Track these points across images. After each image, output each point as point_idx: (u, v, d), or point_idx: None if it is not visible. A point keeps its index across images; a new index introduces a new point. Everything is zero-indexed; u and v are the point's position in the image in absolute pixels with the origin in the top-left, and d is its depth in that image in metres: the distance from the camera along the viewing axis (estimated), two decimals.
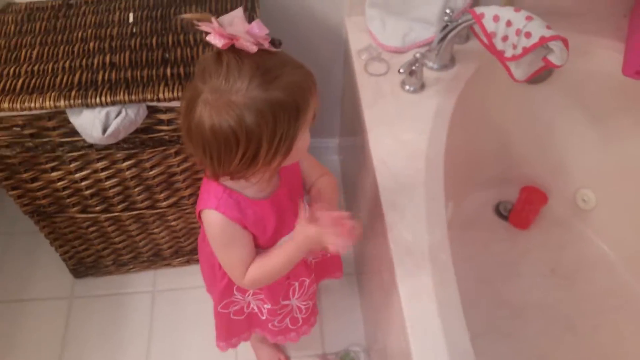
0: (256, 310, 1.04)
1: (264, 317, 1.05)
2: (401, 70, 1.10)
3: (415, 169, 1.01)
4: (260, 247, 0.88)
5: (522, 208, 1.49)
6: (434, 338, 0.81)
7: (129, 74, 0.97)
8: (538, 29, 0.98)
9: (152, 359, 1.33)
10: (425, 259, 0.89)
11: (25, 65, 1.00)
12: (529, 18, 1.00)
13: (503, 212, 1.52)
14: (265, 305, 1.01)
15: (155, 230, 1.31)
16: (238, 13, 0.65)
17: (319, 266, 1.09)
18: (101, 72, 0.97)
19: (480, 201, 1.55)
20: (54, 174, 1.09)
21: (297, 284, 1.01)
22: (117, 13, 1.11)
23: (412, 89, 1.14)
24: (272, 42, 0.67)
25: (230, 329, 1.10)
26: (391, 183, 1.00)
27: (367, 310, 1.32)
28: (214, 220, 0.80)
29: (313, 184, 0.94)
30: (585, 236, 1.48)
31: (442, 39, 1.13)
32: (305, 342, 1.34)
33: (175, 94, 0.93)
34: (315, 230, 0.79)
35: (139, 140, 1.03)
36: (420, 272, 0.88)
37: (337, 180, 0.97)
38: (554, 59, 1.00)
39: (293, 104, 0.67)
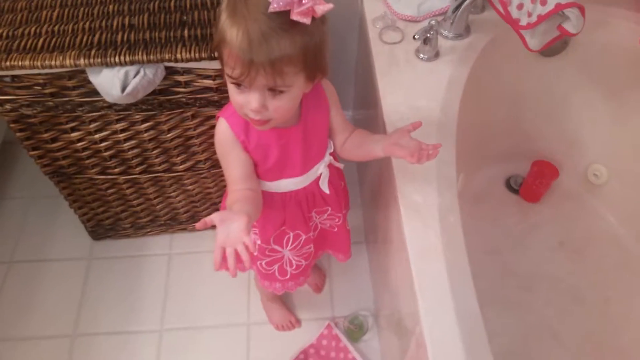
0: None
1: (255, 253, 1.07)
2: (416, 37, 1.10)
3: (428, 134, 1.02)
4: (259, 177, 0.92)
5: (533, 182, 1.49)
6: (441, 297, 0.83)
7: (147, 35, 0.99)
8: None
9: (167, 320, 1.37)
10: (435, 220, 0.91)
11: (45, 26, 1.02)
12: None
13: (514, 186, 1.53)
14: (257, 241, 1.04)
15: (172, 194, 1.34)
16: None
17: (323, 234, 1.11)
18: (120, 33, 0.99)
19: (491, 174, 1.55)
20: (73, 134, 1.12)
21: (292, 234, 1.03)
22: None
23: (426, 57, 1.15)
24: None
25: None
26: None
27: (376, 276, 1.34)
28: (220, 127, 0.87)
29: (346, 140, 0.96)
30: (596, 211, 1.48)
31: (457, 7, 1.14)
32: (314, 306, 1.38)
33: (193, 55, 0.95)
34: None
35: (157, 102, 1.06)
36: (429, 233, 0.89)
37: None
38: (569, 27, 1.00)
39: (221, 30, 0.72)
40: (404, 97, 1.09)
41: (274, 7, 0.67)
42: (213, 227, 0.72)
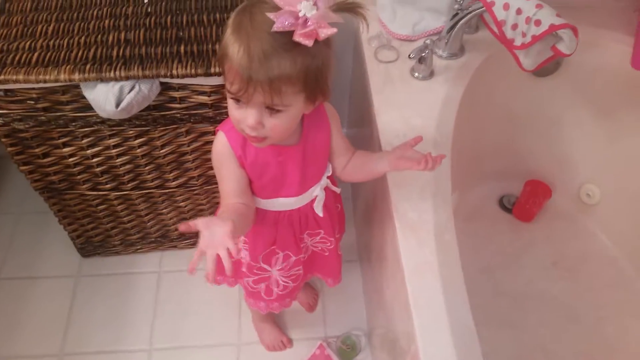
0: (242, 260, 1.05)
1: (243, 269, 1.06)
2: (411, 55, 1.11)
3: (423, 151, 1.02)
4: (255, 194, 0.92)
5: (526, 201, 1.49)
6: (437, 315, 0.82)
7: (143, 50, 0.99)
8: (548, 17, 0.99)
9: (156, 339, 1.34)
10: (430, 237, 0.90)
11: (40, 40, 1.01)
12: (539, 6, 1.01)
13: (507, 205, 1.53)
14: (247, 258, 1.03)
15: (164, 211, 1.32)
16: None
17: (313, 257, 1.10)
18: (116, 48, 0.99)
19: (485, 193, 1.56)
20: (65, 149, 1.11)
21: (281, 254, 1.02)
22: None
23: (421, 76, 1.16)
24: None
25: (220, 266, 1.11)
26: None
27: (370, 294, 1.33)
28: (218, 140, 0.86)
29: (347, 162, 0.96)
30: (589, 231, 1.48)
31: (452, 27, 1.15)
32: (306, 325, 1.37)
33: (188, 71, 0.95)
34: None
35: (151, 117, 1.05)
36: (424, 250, 0.89)
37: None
38: (563, 47, 1.01)
39: (224, 44, 0.72)
40: (399, 115, 1.10)
41: (277, 27, 0.67)
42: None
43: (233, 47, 0.70)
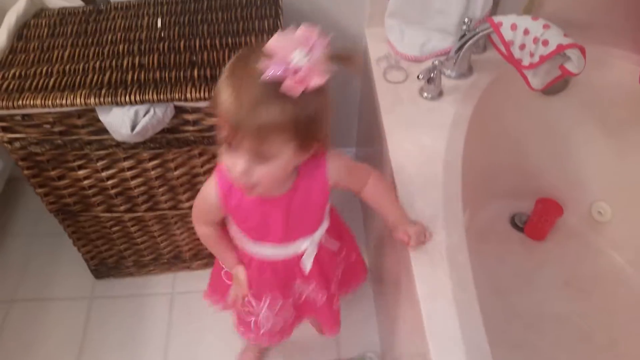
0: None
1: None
2: (420, 76, 1.12)
3: (433, 172, 1.03)
4: (243, 233, 0.93)
5: (537, 219, 1.49)
6: (452, 337, 0.82)
7: (157, 74, 1.01)
8: (555, 37, 1.00)
9: None
10: (443, 260, 0.90)
11: (57, 65, 1.04)
12: (546, 26, 1.02)
13: (518, 224, 1.53)
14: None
15: (177, 232, 1.33)
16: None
17: (306, 302, 1.07)
18: (130, 73, 1.01)
19: (496, 212, 1.55)
20: (80, 172, 1.12)
21: (270, 295, 1.02)
22: (146, 18, 1.15)
23: (430, 96, 1.17)
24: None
25: (217, 286, 1.11)
26: (409, 186, 1.01)
27: (383, 317, 1.32)
28: (210, 178, 0.88)
29: (362, 189, 0.95)
30: (601, 249, 1.47)
31: (460, 47, 1.16)
32: (320, 347, 1.36)
33: (202, 95, 0.96)
34: None
35: (165, 140, 1.06)
36: (437, 272, 0.89)
37: (380, 176, 0.98)
38: (571, 66, 1.02)
39: (217, 89, 0.71)
40: (409, 135, 1.11)
41: (266, 75, 0.65)
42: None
43: (224, 92, 0.69)
